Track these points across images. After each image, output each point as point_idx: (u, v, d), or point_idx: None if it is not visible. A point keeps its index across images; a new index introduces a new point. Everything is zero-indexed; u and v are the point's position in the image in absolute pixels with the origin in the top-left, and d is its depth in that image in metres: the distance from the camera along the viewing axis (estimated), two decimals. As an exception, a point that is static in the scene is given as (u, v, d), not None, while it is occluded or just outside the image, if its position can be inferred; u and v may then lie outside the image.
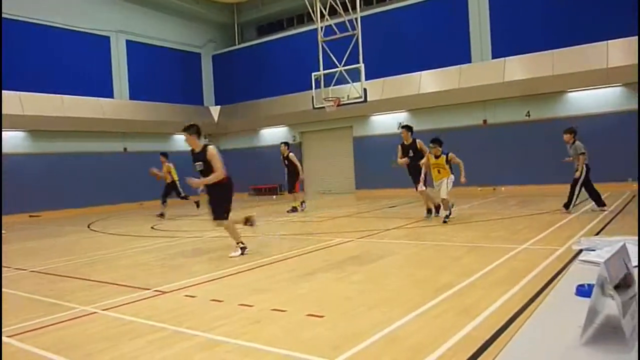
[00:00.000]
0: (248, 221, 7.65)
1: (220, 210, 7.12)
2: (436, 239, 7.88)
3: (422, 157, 10.06)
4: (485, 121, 17.10)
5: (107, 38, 20.50)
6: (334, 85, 16.65)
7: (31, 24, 17.97)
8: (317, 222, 11.59)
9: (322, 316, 4.09)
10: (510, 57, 16.24)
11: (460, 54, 17.31)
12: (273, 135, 22.70)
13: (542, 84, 15.51)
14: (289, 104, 21.02)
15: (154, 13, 22.21)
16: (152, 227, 12.21)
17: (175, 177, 14.46)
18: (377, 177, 18.73)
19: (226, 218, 7.15)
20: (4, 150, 16.89)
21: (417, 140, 10.44)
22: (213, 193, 7.12)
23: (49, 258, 8.26)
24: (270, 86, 21.96)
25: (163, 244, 9.31)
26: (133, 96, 21.17)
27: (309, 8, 17.01)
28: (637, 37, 13.12)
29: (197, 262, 7.28)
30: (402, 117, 18.67)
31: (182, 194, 14.47)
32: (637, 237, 2.23)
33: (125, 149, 20.50)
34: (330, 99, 16.37)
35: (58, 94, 18.08)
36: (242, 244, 7.33)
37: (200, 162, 7.00)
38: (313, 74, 16.72)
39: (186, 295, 5.11)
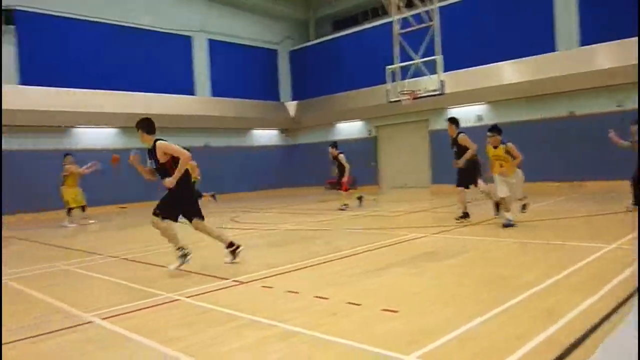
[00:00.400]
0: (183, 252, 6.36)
1: (160, 205, 6.30)
2: (514, 236, 7.56)
3: (464, 153, 9.26)
4: (571, 113, 16.15)
5: (189, 38, 21.44)
6: (409, 78, 16.38)
7: (120, 27, 19.16)
8: (392, 216, 11.50)
9: (396, 311, 4.07)
10: (600, 44, 15.19)
11: (543, 42, 16.42)
12: (349, 129, 22.76)
13: (636, 72, 14.39)
14: (364, 98, 20.96)
15: (233, 11, 22.92)
16: (231, 219, 12.64)
17: (195, 176, 13.23)
18: (453, 171, 18.21)
19: (156, 215, 6.22)
20: (100, 145, 18.21)
21: (460, 135, 9.40)
22: (176, 191, 6.26)
23: (136, 246, 8.78)
24: (346, 80, 21.99)
25: (241, 235, 9.61)
26: (214, 93, 22.03)
27: (384, 1, 16.83)
28: None
29: (273, 254, 7.47)
30: (481, 109, 18.08)
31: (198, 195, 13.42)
32: None
33: (206, 144, 21.34)
34: (406, 92, 16.13)
35: (144, 92, 19.15)
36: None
37: (152, 160, 6.30)
38: (388, 67, 16.55)
39: (263, 286, 5.25)
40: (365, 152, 21.81)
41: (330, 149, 13.89)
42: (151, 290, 5.33)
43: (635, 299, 3.95)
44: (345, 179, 13.49)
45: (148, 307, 4.69)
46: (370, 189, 20.88)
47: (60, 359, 3.56)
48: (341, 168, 13.55)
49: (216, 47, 22.26)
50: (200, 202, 13.02)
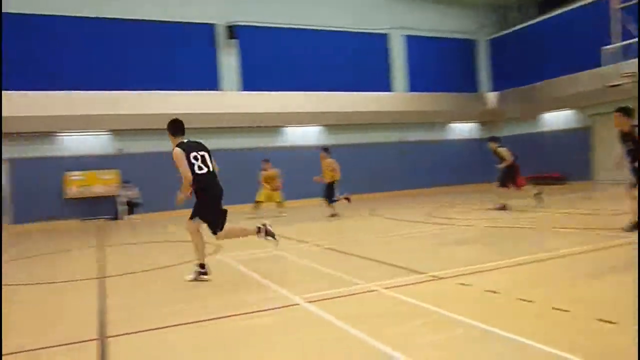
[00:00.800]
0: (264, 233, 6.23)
1: (194, 210, 5.99)
2: None
3: None
4: None
5: (386, 35, 21.87)
6: (631, 58, 14.32)
7: (322, 31, 20.49)
8: (612, 215, 10.22)
9: (614, 322, 3.61)
10: None
11: None
12: (556, 119, 20.86)
13: None
14: (574, 84, 18.94)
15: (428, 5, 22.71)
16: (427, 214, 12.57)
17: (337, 177, 13.03)
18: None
19: (191, 218, 5.98)
20: (305, 143, 19.70)
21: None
22: (196, 197, 6.00)
23: (336, 236, 9.29)
24: (552, 66, 20.12)
25: (437, 231, 9.52)
26: (410, 88, 22.17)
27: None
28: None
29: (471, 250, 7.25)
30: None
31: (335, 197, 13.09)
32: None
33: (400, 139, 21.64)
34: (628, 74, 14.15)
35: (343, 91, 20.15)
36: (202, 268, 5.96)
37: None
38: (604, 47, 14.68)
39: (460, 283, 5.12)
40: (576, 144, 19.75)
41: (490, 144, 12.79)
42: (351, 278, 5.60)
43: None
44: (502, 165, 12.31)
45: (348, 295, 4.94)
46: (582, 184, 18.86)
47: (273, 335, 3.96)
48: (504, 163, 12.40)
49: (412, 43, 22.36)
50: (338, 203, 13.25)
